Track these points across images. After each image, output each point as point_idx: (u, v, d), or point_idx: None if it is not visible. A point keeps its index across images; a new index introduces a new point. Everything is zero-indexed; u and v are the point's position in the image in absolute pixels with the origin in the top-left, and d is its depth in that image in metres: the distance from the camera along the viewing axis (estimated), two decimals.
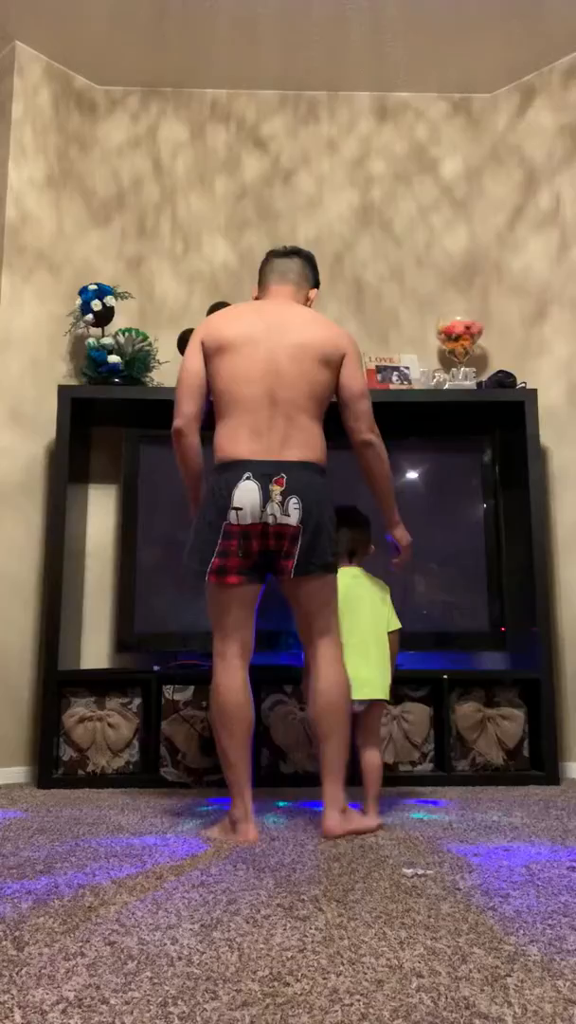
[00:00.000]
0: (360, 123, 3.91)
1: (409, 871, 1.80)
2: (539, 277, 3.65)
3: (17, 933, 1.41)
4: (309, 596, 2.24)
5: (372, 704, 2.40)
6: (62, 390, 3.29)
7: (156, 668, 3.16)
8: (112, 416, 3.47)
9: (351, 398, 2.34)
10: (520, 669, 3.28)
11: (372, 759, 2.41)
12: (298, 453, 2.22)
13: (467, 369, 3.44)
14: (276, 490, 2.16)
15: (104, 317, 3.43)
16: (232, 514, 2.16)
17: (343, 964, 1.26)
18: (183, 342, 3.43)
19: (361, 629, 2.41)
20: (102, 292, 3.43)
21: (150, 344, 3.48)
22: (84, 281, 3.62)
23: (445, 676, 3.14)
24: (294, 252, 2.53)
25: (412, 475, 3.47)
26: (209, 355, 2.32)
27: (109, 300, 3.43)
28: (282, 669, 3.21)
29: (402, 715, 3.13)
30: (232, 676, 2.20)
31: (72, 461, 3.26)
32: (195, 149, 3.89)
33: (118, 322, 3.54)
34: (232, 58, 3.69)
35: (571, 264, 3.57)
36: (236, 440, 2.22)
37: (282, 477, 2.17)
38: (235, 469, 2.19)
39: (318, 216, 3.86)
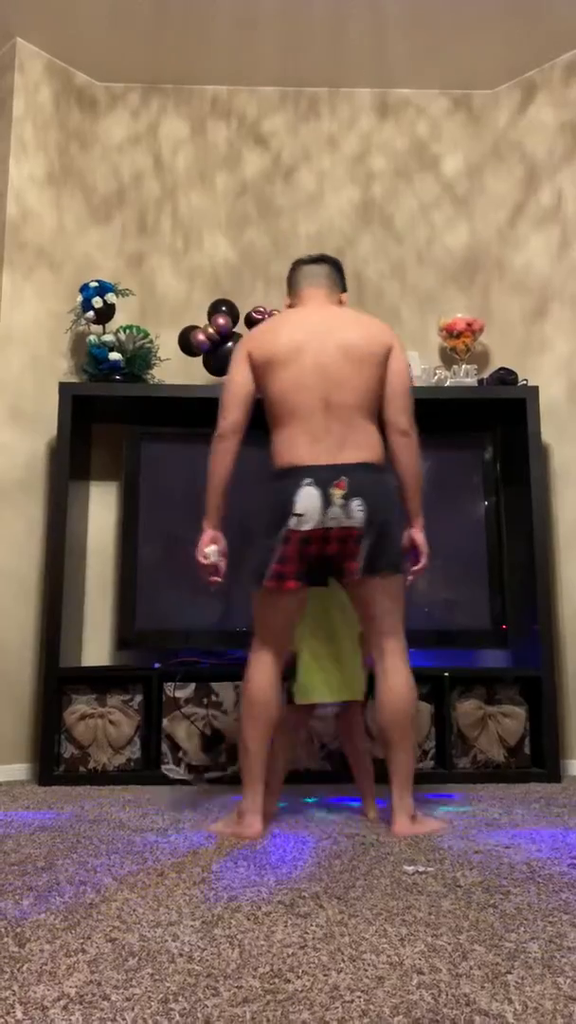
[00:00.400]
0: (361, 120, 3.91)
1: (410, 868, 1.80)
2: (540, 274, 3.65)
3: (19, 930, 1.41)
4: (376, 597, 2.25)
5: (352, 704, 2.46)
6: (63, 387, 3.29)
7: (157, 665, 3.17)
8: (113, 413, 3.47)
9: (397, 390, 2.34)
10: (521, 667, 3.28)
11: (364, 759, 2.48)
12: (356, 454, 2.23)
13: (468, 366, 3.44)
14: (337, 493, 2.17)
15: (105, 314, 3.43)
16: (293, 520, 2.17)
17: (344, 961, 1.26)
18: (184, 339, 3.43)
19: (337, 630, 2.43)
20: (103, 289, 3.42)
21: (151, 341, 3.48)
22: (85, 278, 3.62)
23: (446, 674, 3.14)
24: (321, 259, 2.54)
25: None
26: (258, 368, 2.34)
27: (110, 297, 3.43)
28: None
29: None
30: (265, 674, 2.25)
31: (73, 458, 3.26)
32: (196, 146, 3.88)
33: (119, 319, 3.53)
34: (233, 55, 3.68)
35: (572, 261, 3.57)
36: (294, 447, 2.24)
37: (343, 480, 2.18)
38: (295, 475, 2.21)
39: (319, 213, 3.85)
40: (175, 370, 3.55)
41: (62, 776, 3.03)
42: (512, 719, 3.13)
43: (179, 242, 3.82)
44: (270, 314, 3.48)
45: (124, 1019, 1.06)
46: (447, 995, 1.13)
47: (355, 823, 2.30)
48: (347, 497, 2.16)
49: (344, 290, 2.56)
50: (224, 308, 3.45)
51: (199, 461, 3.42)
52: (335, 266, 2.54)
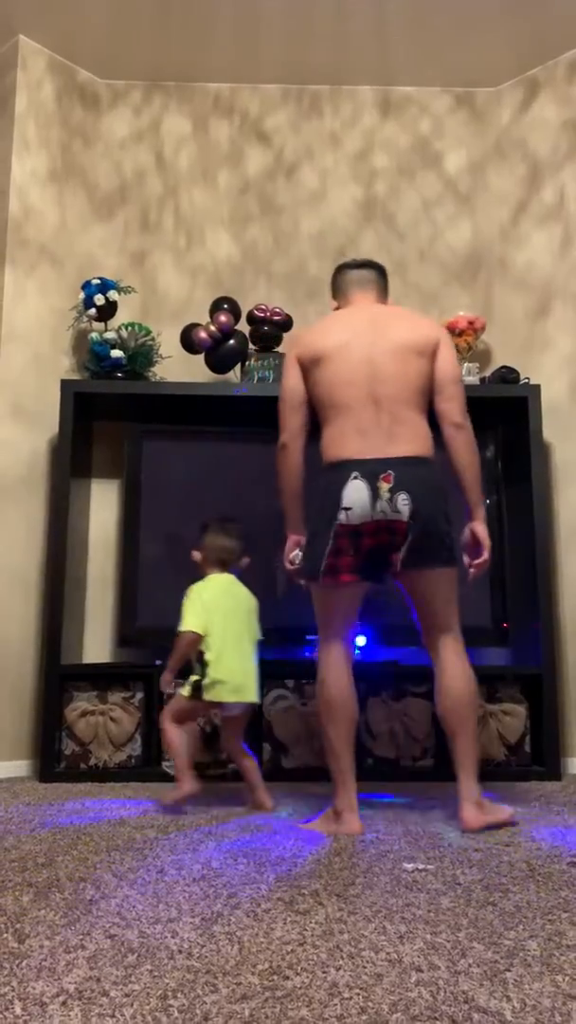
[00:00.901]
0: (363, 117, 3.90)
1: (409, 866, 1.80)
2: (543, 272, 3.64)
3: (18, 925, 1.41)
4: (429, 590, 2.27)
5: (249, 707, 2.54)
6: (65, 384, 3.29)
7: (158, 662, 3.16)
8: (115, 411, 3.48)
9: (446, 382, 2.34)
10: (522, 665, 3.28)
11: (248, 761, 2.53)
12: (404, 448, 2.24)
13: (470, 364, 3.44)
14: (384, 487, 2.17)
15: (107, 311, 3.43)
16: (342, 514, 2.18)
17: (343, 958, 1.26)
18: (186, 337, 3.43)
19: (238, 631, 2.49)
20: (105, 286, 3.42)
21: (153, 339, 3.48)
22: (87, 275, 3.62)
23: None
24: (368, 264, 2.55)
25: None
26: (306, 368, 2.36)
27: (112, 294, 3.43)
28: (284, 664, 3.21)
29: (404, 710, 3.13)
30: (339, 672, 2.27)
31: (74, 455, 3.26)
32: (198, 143, 3.88)
33: (121, 316, 3.53)
34: (235, 52, 3.68)
35: (575, 259, 3.56)
36: (342, 441, 2.26)
37: (389, 474, 2.18)
38: (342, 469, 2.22)
39: (321, 210, 3.85)
40: (177, 368, 3.54)
41: (63, 773, 3.04)
42: (513, 717, 3.14)
43: (181, 239, 3.82)
44: (272, 312, 3.48)
45: (123, 1015, 1.06)
46: (446, 992, 1.13)
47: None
48: (393, 491, 2.17)
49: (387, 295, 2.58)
50: (226, 306, 3.45)
51: (200, 459, 3.44)
52: (381, 272, 2.56)
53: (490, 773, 3.06)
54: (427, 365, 2.32)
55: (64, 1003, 1.10)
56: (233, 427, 3.46)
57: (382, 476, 2.18)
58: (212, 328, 3.40)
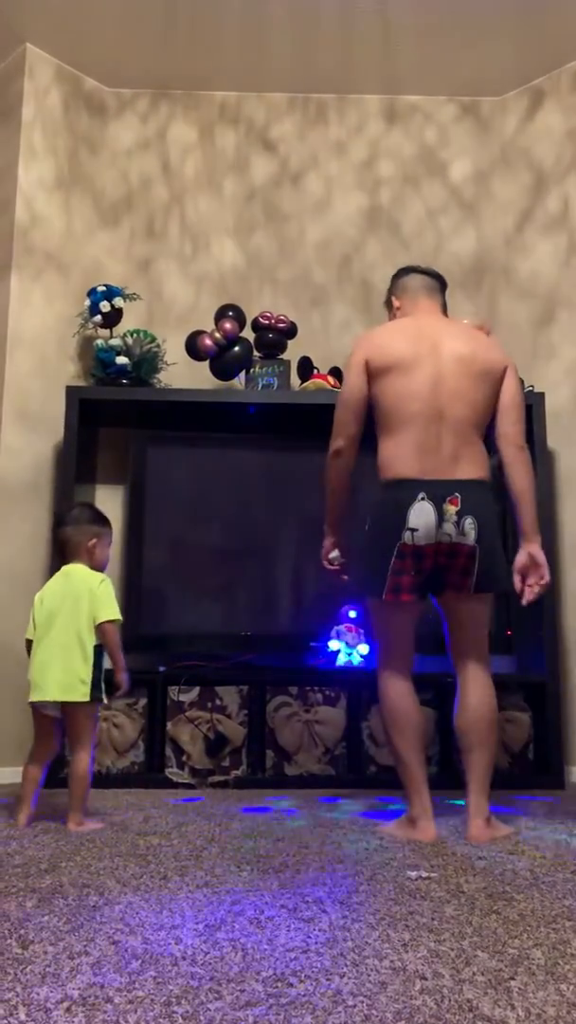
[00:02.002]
0: (369, 126, 3.92)
1: (413, 874, 1.80)
2: (547, 280, 3.65)
3: (22, 931, 1.41)
4: (473, 614, 2.29)
5: (74, 707, 2.34)
6: (70, 391, 3.30)
7: (162, 669, 3.17)
8: (120, 417, 3.48)
9: (511, 406, 2.34)
10: (526, 673, 3.27)
11: (75, 765, 2.35)
12: (469, 471, 2.24)
13: None
14: (451, 510, 2.17)
15: (112, 318, 3.44)
16: (407, 534, 2.17)
17: (346, 966, 1.26)
18: (191, 344, 3.44)
19: (56, 630, 2.37)
20: (111, 293, 3.44)
21: (158, 345, 3.49)
22: (93, 282, 3.63)
23: (449, 679, 3.12)
24: (432, 273, 2.56)
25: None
26: (374, 374, 2.33)
27: (118, 301, 3.44)
28: (286, 672, 3.22)
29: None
30: (401, 685, 2.28)
31: (79, 462, 3.27)
32: (204, 151, 3.89)
33: (126, 323, 3.54)
34: (241, 61, 3.70)
35: None
36: (406, 458, 2.24)
37: (456, 497, 2.18)
38: (408, 488, 2.20)
39: (326, 218, 3.86)
40: (182, 374, 3.55)
41: (66, 778, 3.03)
42: (516, 725, 3.13)
43: (187, 247, 3.83)
44: (277, 319, 3.49)
45: (127, 1021, 1.06)
46: (450, 1001, 1.13)
47: (361, 829, 2.30)
48: (460, 514, 2.17)
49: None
50: (231, 313, 3.46)
51: (205, 465, 3.44)
52: (444, 285, 2.57)
53: (494, 782, 3.05)
54: (492, 390, 2.32)
55: (68, 1009, 1.10)
56: (238, 434, 3.47)
57: (449, 499, 2.17)
58: (217, 335, 3.41)
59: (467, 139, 3.90)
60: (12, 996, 1.14)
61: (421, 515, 2.16)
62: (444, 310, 2.52)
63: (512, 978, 1.21)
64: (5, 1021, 1.06)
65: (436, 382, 2.26)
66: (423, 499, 2.17)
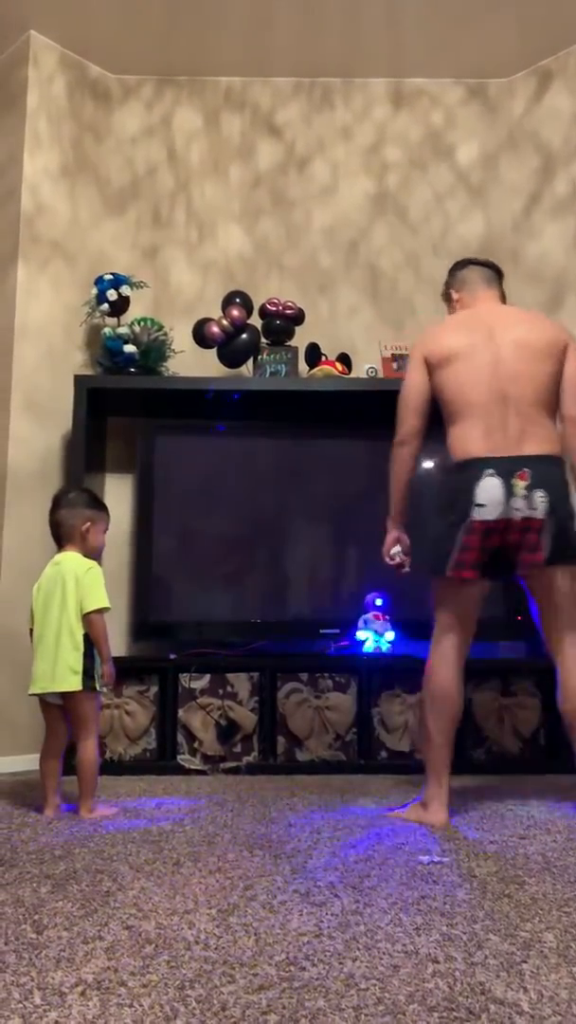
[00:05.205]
0: (375, 110, 3.89)
1: (425, 858, 1.80)
2: (556, 264, 3.62)
3: (37, 917, 1.42)
4: (559, 588, 2.27)
5: (72, 696, 2.33)
6: (78, 380, 3.30)
7: (172, 656, 3.18)
8: (128, 406, 3.48)
9: (572, 383, 2.35)
10: (536, 658, 3.26)
11: (81, 753, 2.35)
12: (537, 447, 2.24)
13: None
14: (520, 484, 2.17)
15: (119, 307, 3.43)
16: (476, 511, 2.18)
17: (359, 949, 1.26)
18: (198, 331, 3.43)
19: (49, 620, 2.36)
20: (117, 282, 3.43)
21: (165, 333, 3.48)
22: (99, 271, 3.62)
23: None
24: (490, 264, 2.59)
25: (427, 464, 3.46)
26: (433, 367, 2.36)
27: (124, 290, 3.43)
28: (297, 658, 3.22)
29: (418, 703, 3.13)
30: (448, 667, 2.27)
31: (88, 451, 3.27)
32: (209, 137, 3.87)
33: (133, 311, 3.54)
34: (246, 45, 3.67)
35: None
36: (472, 440, 2.26)
37: (525, 471, 2.18)
38: (475, 467, 2.22)
39: (333, 203, 3.84)
40: (189, 362, 3.54)
41: (75, 767, 3.04)
42: (527, 710, 3.13)
43: (193, 234, 3.82)
44: (285, 306, 3.48)
45: (141, 1005, 1.07)
46: (462, 984, 1.13)
47: (373, 815, 2.31)
48: (530, 488, 2.17)
49: None
50: (238, 300, 3.45)
51: (214, 453, 3.45)
52: (501, 275, 2.59)
53: (505, 766, 3.06)
54: (555, 367, 2.33)
55: (83, 993, 1.11)
56: (246, 421, 3.47)
57: (518, 474, 2.18)
58: (224, 322, 3.40)
59: (474, 122, 3.87)
60: (27, 980, 1.15)
61: (488, 490, 2.18)
62: (503, 298, 2.55)
63: (524, 961, 1.22)
64: (21, 1005, 1.07)
65: (495, 366, 2.29)
66: (491, 475, 2.19)
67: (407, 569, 2.48)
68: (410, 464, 2.43)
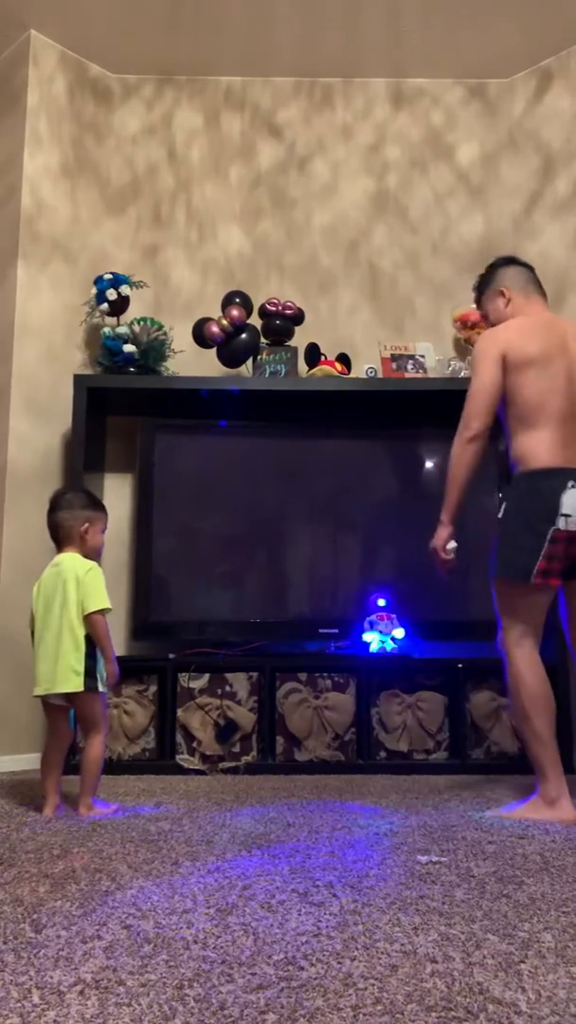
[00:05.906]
0: (375, 109, 3.89)
1: (423, 858, 1.80)
2: (556, 264, 3.62)
3: (35, 916, 1.42)
4: None
5: (78, 697, 2.33)
6: (78, 379, 3.30)
7: (171, 656, 3.18)
8: (127, 405, 3.48)
9: None
10: None
11: (88, 749, 2.36)
12: None
13: None
14: None
15: (119, 306, 3.44)
16: (561, 520, 2.24)
17: (357, 949, 1.26)
18: (198, 331, 3.43)
19: (50, 621, 2.35)
20: (117, 281, 3.43)
21: (165, 333, 3.48)
22: (99, 270, 3.62)
23: (460, 664, 3.14)
24: (531, 265, 2.61)
25: (428, 464, 3.46)
26: (511, 368, 2.38)
27: (124, 289, 3.44)
28: (296, 657, 3.22)
29: (417, 703, 3.13)
30: (538, 668, 2.33)
31: (88, 450, 3.28)
32: (210, 137, 3.87)
33: (133, 311, 3.54)
34: (246, 45, 3.67)
35: None
36: (551, 449, 2.31)
37: None
38: (558, 477, 2.27)
39: (333, 203, 3.84)
40: (189, 362, 3.55)
41: (77, 766, 3.05)
42: None
43: (193, 234, 3.82)
44: (284, 306, 3.48)
45: (140, 1004, 1.07)
46: (460, 984, 1.13)
47: (372, 815, 2.31)
48: None
49: None
50: (238, 300, 3.45)
51: (213, 453, 3.45)
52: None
53: (504, 766, 3.06)
54: None
55: (81, 992, 1.11)
56: (245, 421, 3.47)
57: None
58: (224, 322, 3.40)
59: (474, 122, 3.87)
60: (26, 980, 1.15)
61: (573, 500, 2.23)
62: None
63: (522, 961, 1.21)
64: (19, 1004, 1.07)
65: (570, 378, 2.35)
66: (574, 486, 2.24)
67: (453, 567, 2.52)
68: (476, 463, 2.44)
